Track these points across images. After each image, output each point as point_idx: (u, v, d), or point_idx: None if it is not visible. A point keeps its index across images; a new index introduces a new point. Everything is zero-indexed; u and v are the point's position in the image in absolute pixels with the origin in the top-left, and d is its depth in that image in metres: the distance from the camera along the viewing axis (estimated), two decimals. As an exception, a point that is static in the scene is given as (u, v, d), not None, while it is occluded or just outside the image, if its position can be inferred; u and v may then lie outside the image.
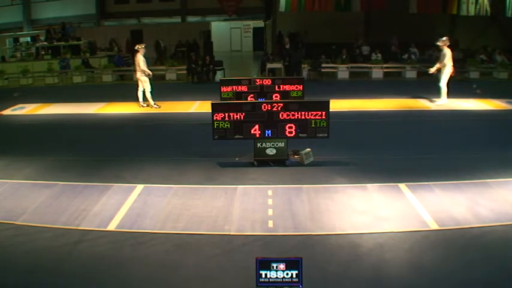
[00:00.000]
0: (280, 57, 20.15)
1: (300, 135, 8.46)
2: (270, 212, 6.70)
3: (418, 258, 5.47)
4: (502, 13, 18.29)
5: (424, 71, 16.05)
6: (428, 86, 16.52)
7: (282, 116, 8.37)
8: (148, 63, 14.23)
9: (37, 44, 22.59)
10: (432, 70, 13.87)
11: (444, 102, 13.71)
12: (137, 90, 13.89)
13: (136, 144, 10.35)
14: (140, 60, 13.53)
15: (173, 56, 23.52)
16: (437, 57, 14.26)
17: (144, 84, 13.68)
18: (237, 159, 8.91)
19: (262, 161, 8.61)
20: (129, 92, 15.11)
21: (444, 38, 13.49)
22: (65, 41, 22.56)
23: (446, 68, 13.53)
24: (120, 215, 6.66)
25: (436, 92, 13.83)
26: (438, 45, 13.69)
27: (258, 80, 11.05)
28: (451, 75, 13.67)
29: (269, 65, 19.36)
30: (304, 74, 18.56)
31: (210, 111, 8.43)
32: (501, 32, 21.40)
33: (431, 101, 13.97)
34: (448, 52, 13.51)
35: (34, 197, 7.32)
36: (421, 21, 20.71)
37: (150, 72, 13.72)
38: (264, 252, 5.58)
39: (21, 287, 5.10)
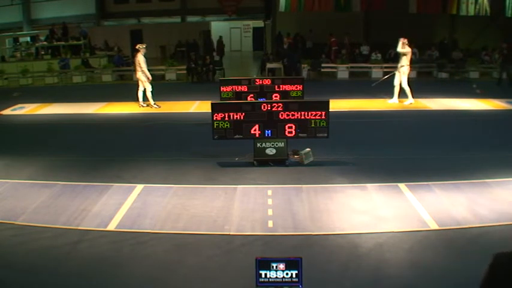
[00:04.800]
0: (279, 58, 20.15)
1: (299, 135, 8.45)
2: (270, 212, 6.69)
3: (418, 258, 5.46)
4: (502, 13, 18.30)
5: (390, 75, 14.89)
6: (429, 86, 16.57)
7: (282, 116, 8.37)
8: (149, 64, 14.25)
9: (37, 44, 22.58)
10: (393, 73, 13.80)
11: (395, 102, 13.70)
12: (137, 90, 13.89)
13: (136, 144, 10.35)
14: (141, 60, 13.52)
15: (173, 56, 23.55)
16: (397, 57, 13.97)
17: (145, 84, 13.67)
18: (237, 159, 8.90)
19: (262, 161, 8.60)
20: (129, 92, 15.11)
21: (402, 38, 13.25)
22: (65, 41, 22.57)
23: (405, 68, 13.37)
24: (120, 215, 6.65)
25: (390, 92, 13.85)
26: (397, 45, 13.39)
27: (257, 80, 11.04)
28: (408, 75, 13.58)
29: (269, 65, 19.36)
30: (304, 74, 18.55)
31: (210, 111, 8.43)
32: (501, 32, 21.40)
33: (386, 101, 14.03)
34: (408, 52, 13.32)
35: (34, 197, 7.31)
36: (421, 21, 20.71)
37: (150, 76, 13.70)
38: (263, 252, 5.57)
39: (21, 286, 5.09)
